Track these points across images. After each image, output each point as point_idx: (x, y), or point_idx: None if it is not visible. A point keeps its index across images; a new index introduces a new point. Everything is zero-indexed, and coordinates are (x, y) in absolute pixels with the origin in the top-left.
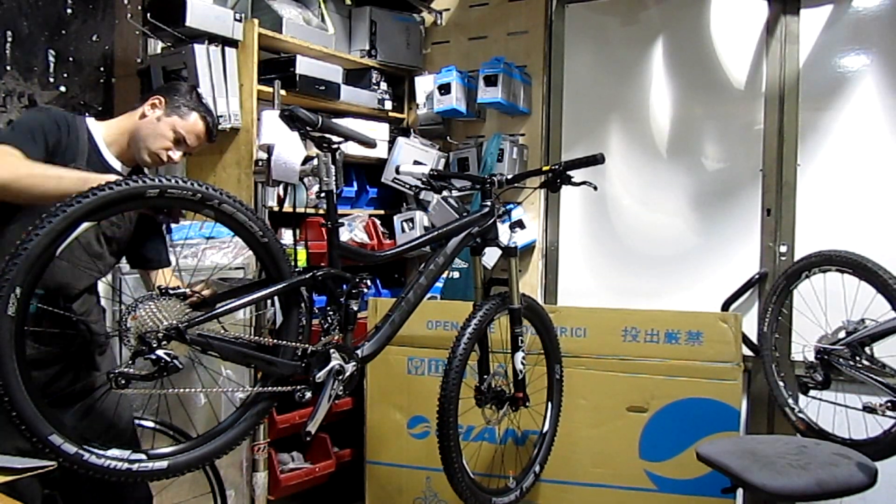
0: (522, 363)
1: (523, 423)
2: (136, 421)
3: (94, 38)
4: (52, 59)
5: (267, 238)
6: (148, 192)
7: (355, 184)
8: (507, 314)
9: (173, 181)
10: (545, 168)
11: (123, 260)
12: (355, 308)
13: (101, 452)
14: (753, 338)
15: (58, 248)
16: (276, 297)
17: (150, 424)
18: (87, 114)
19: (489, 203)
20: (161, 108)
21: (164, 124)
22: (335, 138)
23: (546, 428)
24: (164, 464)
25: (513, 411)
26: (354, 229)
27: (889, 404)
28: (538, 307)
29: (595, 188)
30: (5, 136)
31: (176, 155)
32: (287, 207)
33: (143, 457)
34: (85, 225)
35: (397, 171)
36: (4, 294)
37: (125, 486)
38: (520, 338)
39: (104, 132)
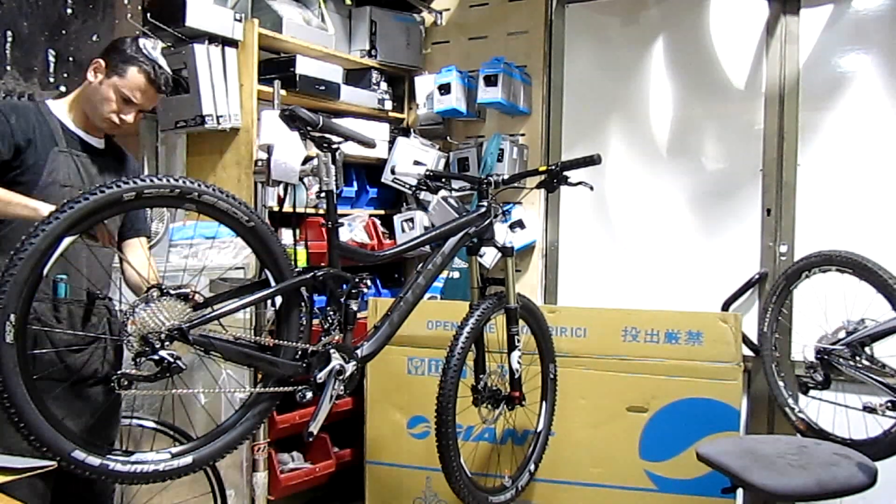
0: (519, 362)
1: (522, 423)
2: (137, 421)
3: (94, 38)
4: (52, 59)
5: (253, 222)
6: (125, 195)
7: (355, 184)
8: (503, 314)
9: (148, 180)
10: (542, 168)
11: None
12: (355, 308)
13: (125, 459)
14: (753, 338)
15: (44, 268)
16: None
17: (151, 424)
18: (44, 98)
19: (486, 203)
20: (102, 71)
21: (106, 87)
22: (335, 138)
23: (540, 427)
24: (188, 459)
25: (509, 410)
26: (354, 229)
27: (889, 404)
28: (533, 307)
29: (591, 188)
30: None
31: (128, 116)
32: (287, 207)
33: (168, 455)
34: (68, 240)
35: (393, 172)
36: None
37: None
38: (516, 337)
39: (66, 109)
